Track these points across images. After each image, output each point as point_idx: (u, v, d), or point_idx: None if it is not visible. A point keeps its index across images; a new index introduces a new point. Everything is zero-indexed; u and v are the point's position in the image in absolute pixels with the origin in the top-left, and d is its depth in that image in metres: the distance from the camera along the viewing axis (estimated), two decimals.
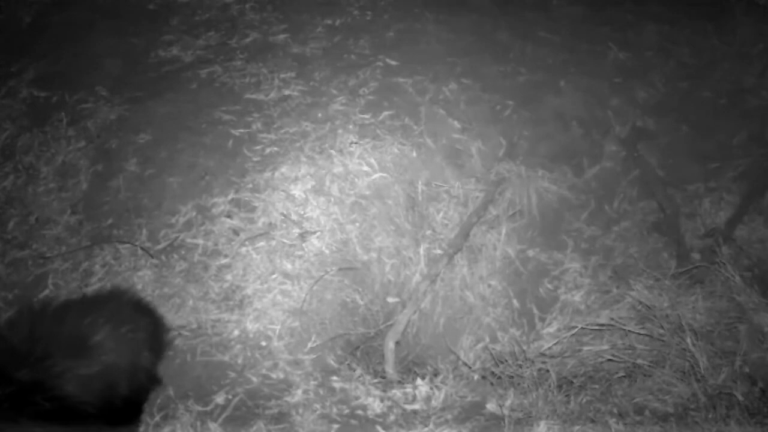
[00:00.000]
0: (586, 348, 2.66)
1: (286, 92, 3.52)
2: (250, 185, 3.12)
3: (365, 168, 3.21)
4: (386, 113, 3.44)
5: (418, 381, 2.56)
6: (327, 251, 2.94)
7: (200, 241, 2.94)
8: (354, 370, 2.63)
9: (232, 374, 2.51)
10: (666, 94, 3.75)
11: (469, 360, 2.91)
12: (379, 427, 2.34)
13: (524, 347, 2.72)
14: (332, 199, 3.09)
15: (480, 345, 3.01)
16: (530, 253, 3.28)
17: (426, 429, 2.33)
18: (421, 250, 3.12)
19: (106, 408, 1.99)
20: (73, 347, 1.96)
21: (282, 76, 3.60)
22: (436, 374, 2.70)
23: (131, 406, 2.24)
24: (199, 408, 2.38)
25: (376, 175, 3.20)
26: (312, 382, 2.52)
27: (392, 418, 2.39)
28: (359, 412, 2.42)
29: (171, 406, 2.37)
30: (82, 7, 4.06)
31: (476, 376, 2.75)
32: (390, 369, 2.66)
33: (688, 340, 2.46)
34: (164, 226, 3.00)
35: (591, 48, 3.90)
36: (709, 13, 4.01)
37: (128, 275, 2.84)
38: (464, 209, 3.28)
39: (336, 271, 2.90)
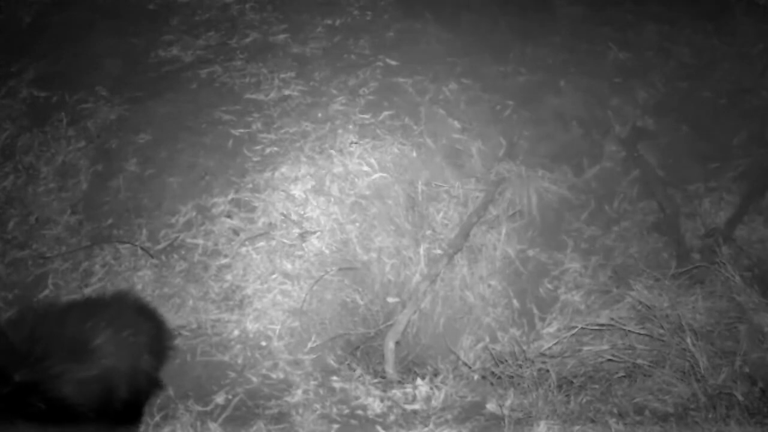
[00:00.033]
0: (586, 348, 2.66)
1: (286, 92, 3.52)
2: (250, 185, 3.12)
3: (365, 168, 3.21)
4: (386, 113, 3.44)
5: (418, 381, 2.56)
6: (327, 251, 2.95)
7: (200, 241, 2.94)
8: (354, 370, 2.63)
9: (232, 374, 2.51)
10: (666, 94, 3.75)
11: (469, 360, 2.91)
12: (379, 427, 2.34)
13: (524, 347, 2.72)
14: (332, 199, 3.09)
15: (480, 345, 3.02)
16: (530, 253, 3.28)
17: (426, 429, 2.33)
18: (421, 250, 3.12)
19: (105, 411, 1.99)
20: (73, 349, 1.95)
21: (282, 76, 3.60)
22: (436, 374, 2.70)
23: (131, 409, 2.24)
24: (199, 408, 2.38)
25: (376, 175, 3.20)
26: (312, 382, 2.52)
27: (392, 418, 2.39)
28: (359, 412, 2.42)
29: (171, 406, 2.37)
30: (82, 7, 4.06)
31: (476, 376, 2.75)
32: (390, 369, 2.66)
33: (688, 340, 2.46)
34: (164, 226, 3.00)
35: (591, 48, 3.90)
36: (709, 13, 4.01)
37: (128, 275, 2.84)
38: (464, 209, 3.28)
39: (336, 271, 2.90)
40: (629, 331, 2.66)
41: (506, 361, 2.65)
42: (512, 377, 2.58)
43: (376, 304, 2.95)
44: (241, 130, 3.34)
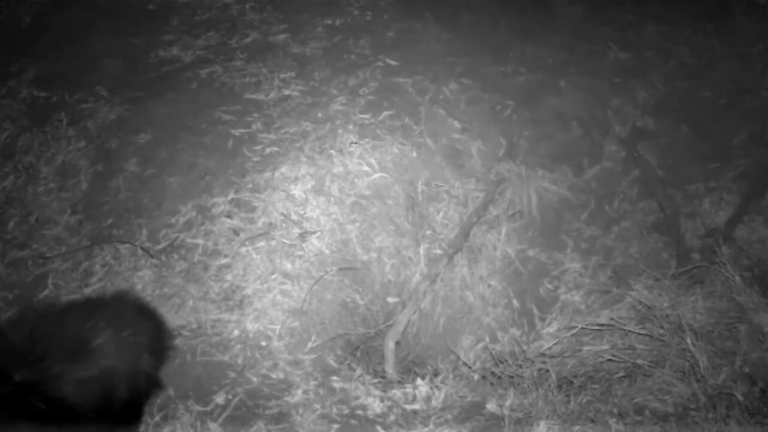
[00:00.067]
0: (586, 348, 2.66)
1: (286, 92, 3.52)
2: (250, 185, 3.11)
3: (365, 168, 3.21)
4: (386, 113, 3.44)
5: (418, 381, 2.56)
6: (327, 251, 2.94)
7: (200, 241, 2.94)
8: (354, 370, 2.63)
9: (232, 374, 2.51)
10: (666, 94, 3.75)
11: (469, 360, 2.91)
12: (379, 427, 2.34)
13: (524, 347, 2.72)
14: (332, 199, 3.09)
15: (480, 345, 3.02)
16: (530, 253, 3.28)
17: (426, 429, 2.33)
18: (421, 250, 3.12)
19: (105, 411, 1.99)
20: (73, 349, 1.95)
21: (282, 76, 3.60)
22: (436, 374, 2.70)
23: (131, 409, 2.24)
24: (199, 408, 2.38)
25: (376, 175, 3.20)
26: (312, 382, 2.52)
27: (392, 418, 2.39)
28: (359, 412, 2.42)
29: (171, 406, 2.37)
30: (82, 7, 4.06)
31: (476, 376, 2.75)
32: (390, 369, 2.66)
33: (688, 340, 2.46)
34: (164, 226, 3.00)
35: (591, 48, 3.90)
36: (709, 13, 4.01)
37: (128, 275, 2.84)
38: (464, 209, 3.28)
39: (336, 271, 2.90)
40: (629, 331, 2.66)
41: (506, 361, 2.65)
42: (512, 377, 2.58)
43: (376, 304, 2.95)
44: (241, 130, 3.34)
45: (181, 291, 2.78)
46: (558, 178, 3.45)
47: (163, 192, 3.11)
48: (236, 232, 2.95)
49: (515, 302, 3.16)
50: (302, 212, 3.03)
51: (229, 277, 2.83)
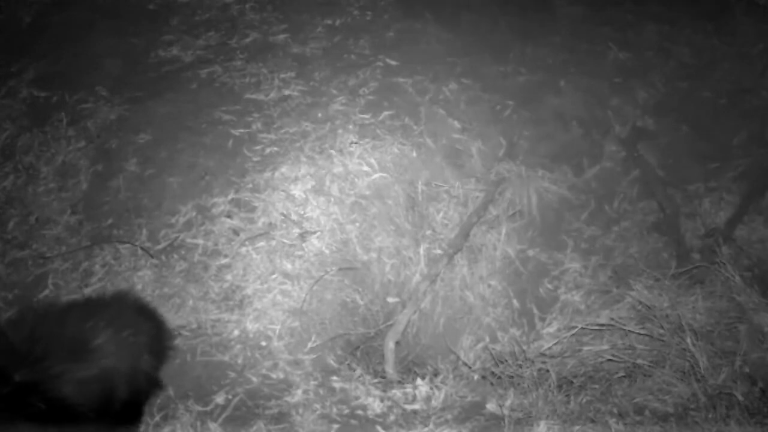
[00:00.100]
0: (586, 348, 2.66)
1: (286, 92, 3.52)
2: (250, 185, 3.11)
3: (365, 168, 3.21)
4: (386, 113, 3.44)
5: (418, 381, 2.56)
6: (327, 251, 2.94)
7: (200, 241, 2.94)
8: (354, 370, 2.63)
9: (232, 374, 2.51)
10: (666, 94, 3.75)
11: (469, 360, 2.91)
12: (379, 427, 2.34)
13: (524, 347, 2.72)
14: (332, 199, 3.09)
15: (480, 345, 3.02)
16: (530, 253, 3.28)
17: (426, 429, 2.33)
18: (421, 250, 3.12)
19: (105, 411, 1.99)
20: (73, 350, 1.95)
21: (282, 76, 3.60)
22: (436, 374, 2.70)
23: (131, 410, 2.24)
24: (199, 408, 2.38)
25: (376, 175, 3.20)
26: (312, 382, 2.52)
27: (392, 418, 2.39)
28: (359, 412, 2.42)
29: (171, 406, 2.37)
30: (82, 7, 4.06)
31: (476, 376, 2.75)
32: (390, 369, 2.66)
33: (688, 340, 2.46)
34: (164, 226, 3.00)
35: (591, 48, 3.90)
36: (709, 13, 4.01)
37: (128, 275, 2.84)
38: (464, 209, 3.28)
39: (336, 271, 2.90)
40: (629, 331, 2.66)
41: (506, 361, 2.65)
42: (512, 377, 2.58)
43: (376, 304, 2.95)
44: (241, 130, 3.34)
45: (181, 291, 2.78)
46: (558, 178, 3.45)
47: (163, 192, 3.11)
48: (236, 232, 2.95)
49: (515, 302, 3.16)
50: (302, 212, 3.03)
51: (229, 277, 2.83)
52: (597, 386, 2.53)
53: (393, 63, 3.69)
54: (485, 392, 2.53)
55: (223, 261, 2.88)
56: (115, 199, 3.13)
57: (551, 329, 2.93)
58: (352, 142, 3.28)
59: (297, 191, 3.09)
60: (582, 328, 2.73)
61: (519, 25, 3.97)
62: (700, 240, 3.26)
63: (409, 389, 2.52)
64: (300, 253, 2.91)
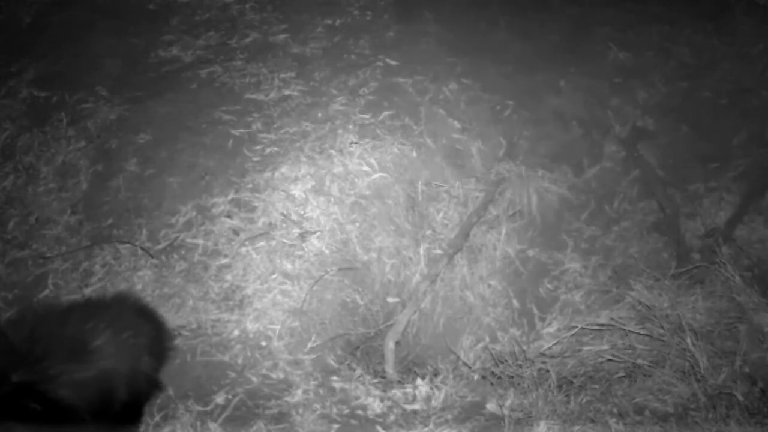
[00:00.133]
0: (586, 348, 2.66)
1: (286, 92, 3.52)
2: (250, 185, 3.12)
3: (365, 168, 3.21)
4: (386, 113, 3.44)
5: (418, 381, 2.56)
6: (327, 251, 2.95)
7: (200, 241, 2.94)
8: (354, 370, 2.63)
9: (232, 374, 2.51)
10: (666, 94, 3.75)
11: (469, 360, 2.91)
12: (379, 427, 2.34)
13: (524, 347, 2.72)
14: (332, 199, 3.09)
15: (480, 345, 3.01)
16: (530, 253, 3.28)
17: (426, 429, 2.33)
18: (421, 250, 3.12)
19: (105, 412, 1.98)
20: (73, 350, 1.95)
21: (282, 76, 3.60)
22: (436, 374, 2.70)
23: (131, 411, 2.24)
24: (199, 408, 2.38)
25: (376, 175, 3.20)
26: (312, 382, 2.52)
27: (392, 418, 2.39)
28: (359, 412, 2.42)
29: (171, 406, 2.37)
30: (82, 7, 4.06)
31: (476, 376, 2.75)
32: (390, 369, 2.66)
33: (688, 340, 2.46)
34: (164, 226, 3.00)
35: (591, 48, 3.90)
36: (709, 13, 4.01)
37: (128, 275, 2.84)
38: (464, 209, 3.28)
39: (336, 271, 2.90)
40: (629, 331, 2.66)
41: (506, 361, 2.65)
42: (512, 377, 2.58)
43: (376, 304, 2.95)
44: (241, 130, 3.34)
45: (181, 291, 2.79)
46: (558, 178, 3.44)
47: (163, 192, 3.11)
48: (236, 232, 2.95)
49: (515, 302, 3.16)
50: (302, 212, 3.03)
51: (229, 277, 2.83)
52: (597, 386, 2.53)
53: (393, 63, 3.69)
54: (485, 392, 2.53)
55: (223, 261, 2.88)
56: (115, 199, 3.13)
57: (551, 329, 2.93)
58: (352, 142, 3.28)
59: (297, 191, 3.09)
60: (582, 328, 2.73)
61: (519, 25, 3.97)
62: (700, 240, 3.26)
63: (409, 389, 2.52)
64: (300, 253, 2.91)
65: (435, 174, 3.33)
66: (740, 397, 2.30)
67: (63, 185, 3.23)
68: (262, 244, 2.92)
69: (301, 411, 2.38)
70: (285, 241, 2.94)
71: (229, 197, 3.07)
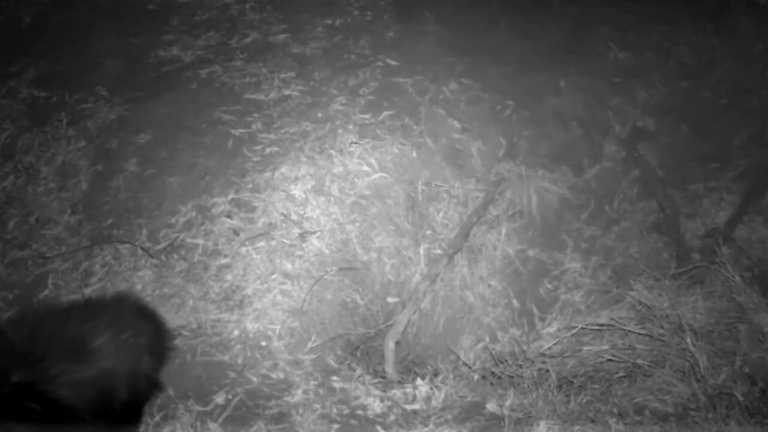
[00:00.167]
0: (586, 348, 2.66)
1: (286, 92, 3.52)
2: (250, 185, 3.12)
3: (365, 168, 3.21)
4: (386, 113, 3.44)
5: (418, 381, 2.56)
6: (327, 251, 2.95)
7: (200, 241, 2.94)
8: (354, 370, 2.64)
9: (232, 374, 2.51)
10: (666, 94, 3.75)
11: (469, 360, 2.91)
12: (379, 427, 2.34)
13: (524, 347, 2.72)
14: (332, 199, 3.09)
15: (480, 345, 3.01)
16: (530, 253, 3.28)
17: (426, 429, 2.33)
18: (421, 250, 3.12)
19: (104, 412, 1.98)
20: (73, 350, 1.95)
21: (282, 76, 3.60)
22: (436, 374, 2.70)
23: (131, 411, 2.24)
24: (199, 408, 2.38)
25: (376, 175, 3.20)
26: (312, 382, 2.52)
27: (392, 418, 2.39)
28: (359, 412, 2.42)
29: (171, 406, 2.37)
30: (82, 7, 4.06)
31: (476, 376, 2.75)
32: (390, 369, 2.66)
33: (688, 340, 2.46)
34: (164, 226, 3.00)
35: (591, 48, 3.90)
36: (709, 13, 4.01)
37: (128, 275, 2.84)
38: (464, 209, 3.28)
39: (336, 271, 2.90)
40: (629, 331, 2.66)
41: (506, 361, 2.65)
42: (512, 377, 2.58)
43: (376, 304, 2.95)
44: (241, 130, 3.34)
45: (181, 291, 2.79)
46: (558, 178, 3.44)
47: (163, 192, 3.11)
48: (236, 232, 2.95)
49: (515, 302, 3.16)
50: (302, 212, 3.03)
51: (229, 277, 2.83)
52: (597, 386, 2.53)
53: (393, 63, 3.69)
54: (485, 392, 2.53)
55: (223, 261, 2.88)
56: (115, 199, 3.13)
57: (551, 329, 2.93)
58: (352, 142, 3.28)
59: (297, 191, 3.09)
60: (582, 328, 2.73)
61: (519, 25, 3.97)
62: (700, 240, 3.26)
63: (409, 389, 2.52)
64: (300, 253, 2.91)
65: (435, 174, 3.33)
66: (740, 397, 2.30)
67: (63, 185, 3.23)
68: (262, 244, 2.92)
69: (301, 411, 2.38)
70: (285, 241, 2.94)
71: (229, 197, 3.07)
